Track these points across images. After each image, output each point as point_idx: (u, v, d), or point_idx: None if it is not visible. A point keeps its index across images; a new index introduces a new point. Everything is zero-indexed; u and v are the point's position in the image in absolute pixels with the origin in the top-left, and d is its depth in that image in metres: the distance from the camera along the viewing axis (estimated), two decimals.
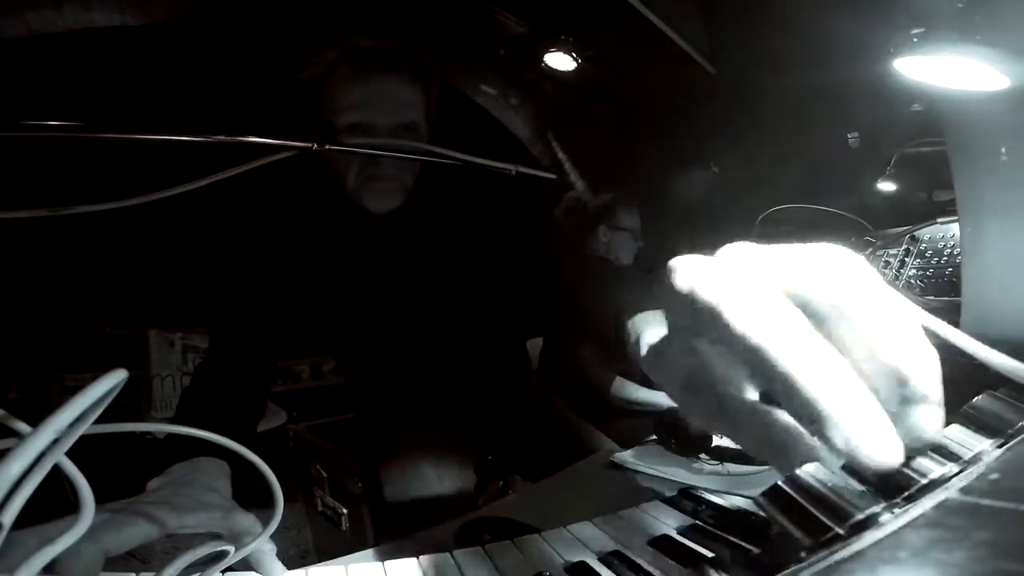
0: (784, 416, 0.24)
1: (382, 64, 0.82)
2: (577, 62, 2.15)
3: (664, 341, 0.28)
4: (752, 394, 0.26)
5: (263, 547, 0.46)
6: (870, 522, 0.21)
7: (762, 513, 0.24)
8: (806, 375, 0.19)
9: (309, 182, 0.92)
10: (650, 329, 0.36)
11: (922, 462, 0.22)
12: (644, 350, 0.34)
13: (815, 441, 0.21)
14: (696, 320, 0.23)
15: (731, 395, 0.25)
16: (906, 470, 0.22)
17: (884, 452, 0.19)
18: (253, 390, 0.79)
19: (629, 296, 0.50)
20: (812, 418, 0.19)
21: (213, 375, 0.77)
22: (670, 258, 0.24)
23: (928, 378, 0.20)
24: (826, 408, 0.19)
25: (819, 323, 0.20)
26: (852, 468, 0.24)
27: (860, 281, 0.20)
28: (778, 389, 0.20)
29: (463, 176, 0.87)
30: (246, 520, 0.49)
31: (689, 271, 0.23)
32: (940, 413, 0.20)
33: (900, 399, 0.20)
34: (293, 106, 0.89)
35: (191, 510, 0.49)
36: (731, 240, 0.26)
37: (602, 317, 0.63)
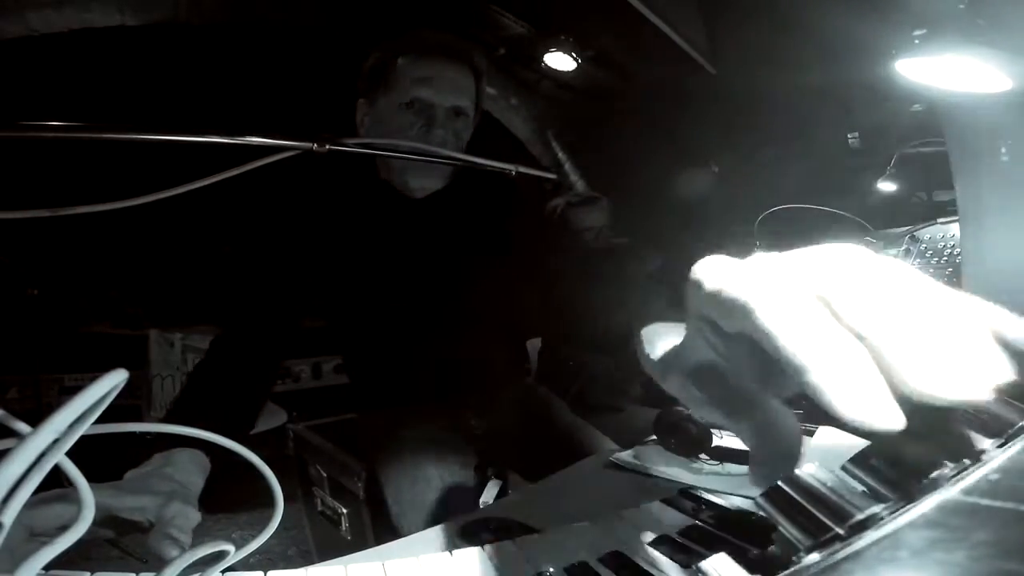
0: (786, 413, 0.26)
1: (447, 52, 0.89)
2: (577, 62, 2.15)
3: (678, 345, 0.31)
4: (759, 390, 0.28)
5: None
6: (870, 522, 0.21)
7: (762, 513, 0.24)
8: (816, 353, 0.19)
9: (323, 177, 0.94)
10: (660, 340, 0.37)
11: (921, 463, 0.22)
12: (655, 356, 0.35)
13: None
14: (721, 315, 0.23)
15: (740, 386, 0.27)
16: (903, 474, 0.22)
17: (883, 419, 0.18)
18: (256, 387, 0.79)
19: (641, 303, 0.50)
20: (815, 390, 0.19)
21: (216, 369, 0.78)
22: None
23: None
24: (826, 379, 0.19)
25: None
26: (852, 469, 0.24)
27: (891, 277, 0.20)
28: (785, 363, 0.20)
29: (485, 176, 0.89)
30: (179, 507, 0.48)
31: (718, 270, 0.24)
32: None
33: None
34: (351, 93, 0.94)
35: (132, 493, 0.48)
36: (731, 240, 0.26)
37: (603, 316, 0.63)
